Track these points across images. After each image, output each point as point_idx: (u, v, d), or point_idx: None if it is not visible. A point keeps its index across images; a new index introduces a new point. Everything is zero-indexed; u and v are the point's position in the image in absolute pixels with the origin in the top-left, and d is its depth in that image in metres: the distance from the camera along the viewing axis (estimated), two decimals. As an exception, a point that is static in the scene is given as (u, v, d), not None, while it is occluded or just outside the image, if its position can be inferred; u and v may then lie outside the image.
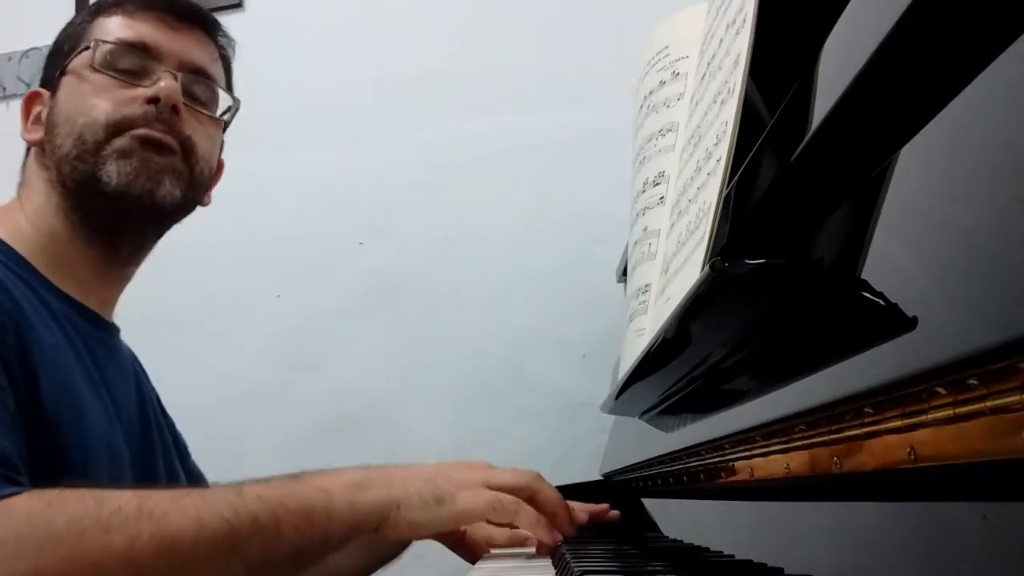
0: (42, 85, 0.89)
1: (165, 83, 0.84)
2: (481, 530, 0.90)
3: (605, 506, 0.93)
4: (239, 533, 0.61)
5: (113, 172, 0.81)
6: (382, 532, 0.69)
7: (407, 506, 0.69)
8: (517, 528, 0.85)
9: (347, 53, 1.67)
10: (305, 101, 1.67)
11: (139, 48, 0.85)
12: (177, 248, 1.62)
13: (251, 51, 1.67)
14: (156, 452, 0.90)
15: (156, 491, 0.62)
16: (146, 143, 0.83)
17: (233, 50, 0.97)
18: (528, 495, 0.75)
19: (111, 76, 0.84)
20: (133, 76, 0.85)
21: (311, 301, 1.62)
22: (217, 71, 0.93)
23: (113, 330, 0.90)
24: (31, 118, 0.88)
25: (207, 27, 0.93)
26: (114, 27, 0.86)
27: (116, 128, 0.82)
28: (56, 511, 0.57)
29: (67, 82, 0.86)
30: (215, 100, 0.92)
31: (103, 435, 0.78)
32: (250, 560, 0.62)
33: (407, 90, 1.63)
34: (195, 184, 0.88)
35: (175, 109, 0.84)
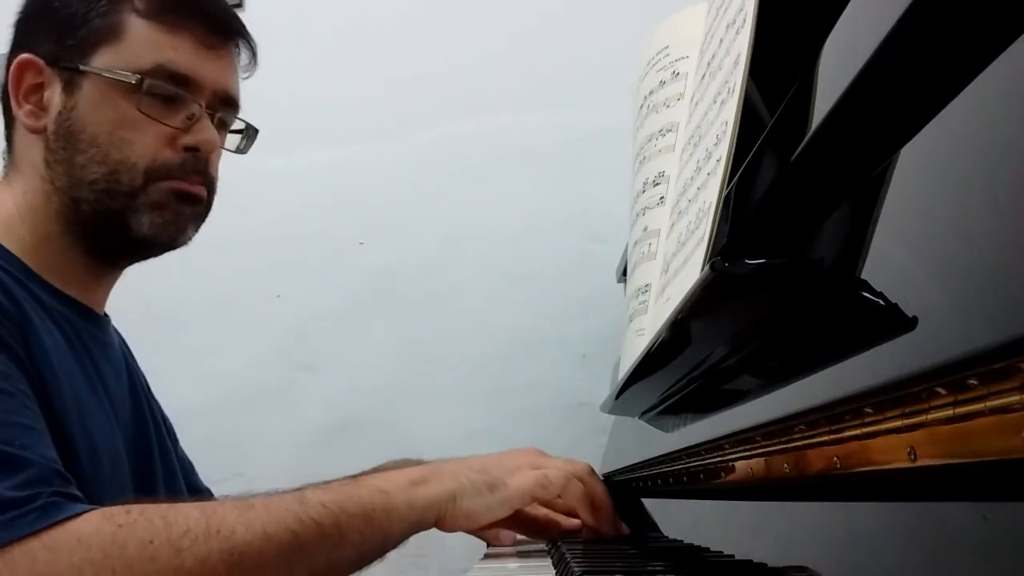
0: (44, 58, 0.80)
1: (206, 132, 0.82)
2: (542, 515, 0.90)
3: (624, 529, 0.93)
4: (304, 542, 0.62)
5: (145, 223, 0.80)
6: (440, 526, 0.71)
7: (462, 497, 0.71)
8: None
9: (347, 53, 1.67)
10: (305, 101, 1.67)
11: (179, 78, 0.80)
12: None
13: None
14: (154, 454, 0.89)
15: (221, 505, 0.63)
16: (181, 197, 0.81)
17: (256, 58, 0.91)
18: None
19: (144, 108, 0.79)
20: (168, 106, 0.80)
21: (311, 301, 1.62)
22: (239, 89, 0.89)
23: (106, 323, 0.89)
24: (29, 94, 0.80)
25: (240, 40, 0.88)
26: (151, 42, 0.79)
27: (154, 176, 0.80)
28: (127, 535, 0.57)
29: (93, 90, 0.79)
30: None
31: (106, 441, 0.78)
32: (315, 566, 0.63)
33: (407, 90, 1.63)
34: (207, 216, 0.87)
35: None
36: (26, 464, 0.60)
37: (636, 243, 0.85)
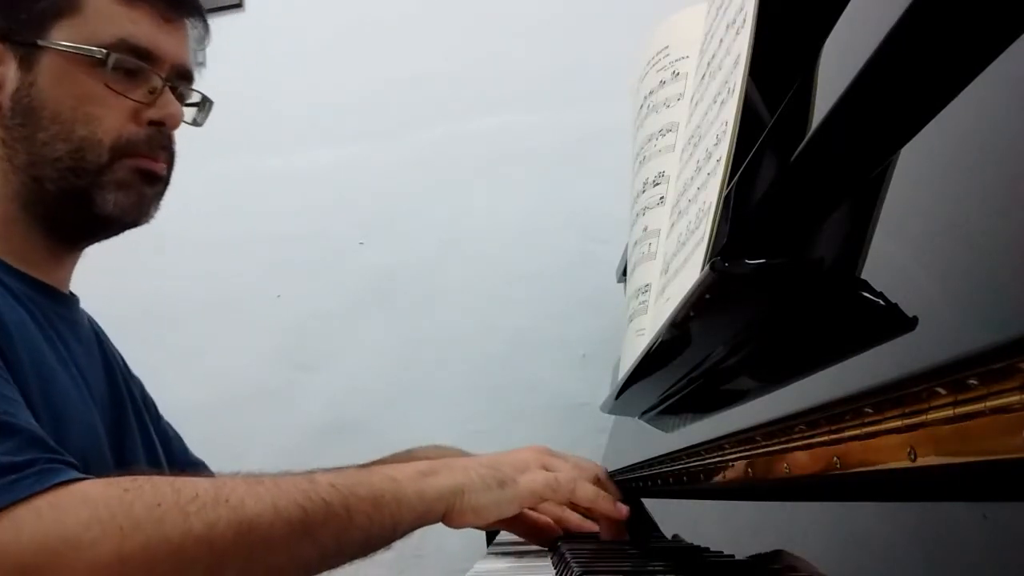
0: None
1: (171, 106, 0.82)
2: (551, 511, 0.90)
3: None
4: (313, 519, 0.62)
5: (110, 201, 0.79)
6: (448, 520, 0.71)
7: (471, 491, 0.71)
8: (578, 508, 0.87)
9: (347, 53, 1.67)
10: (305, 101, 1.67)
11: (141, 52, 0.80)
12: (177, 248, 1.63)
13: (251, 51, 1.68)
14: (132, 429, 0.87)
15: (230, 479, 0.64)
16: (145, 176, 0.81)
17: (208, 33, 0.90)
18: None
19: (110, 83, 0.78)
20: (131, 80, 0.80)
21: (311, 301, 1.62)
22: (194, 62, 0.88)
23: (73, 303, 0.87)
24: None
25: (194, 15, 0.87)
26: (111, 16, 0.79)
27: (120, 153, 0.79)
28: (134, 497, 0.57)
29: (53, 65, 0.77)
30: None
31: (79, 415, 0.76)
32: (323, 545, 0.63)
33: (407, 90, 1.63)
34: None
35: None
36: (16, 430, 0.59)
37: (636, 243, 0.85)
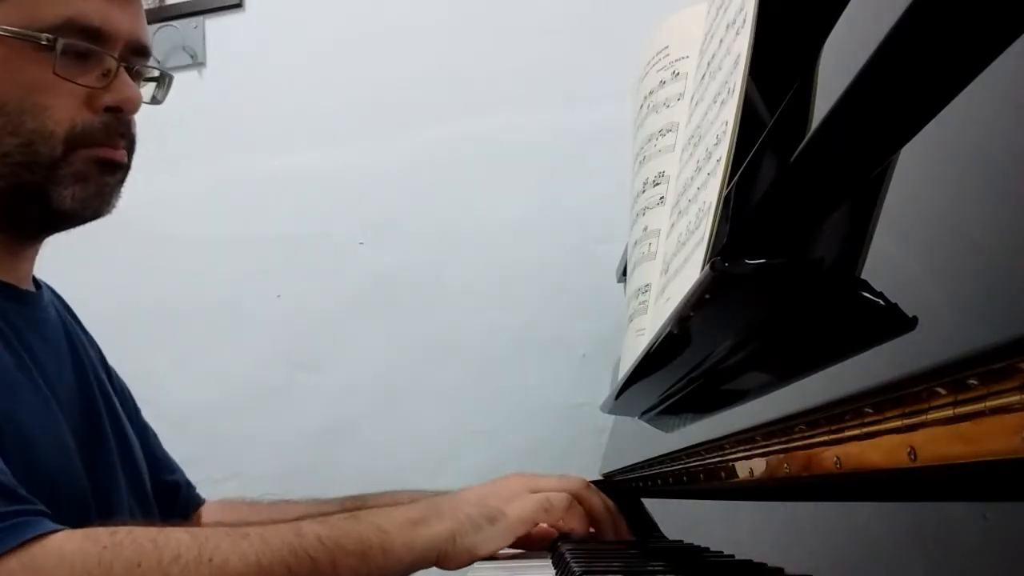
0: None
1: (128, 90, 0.75)
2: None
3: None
4: None
5: (67, 197, 0.74)
6: (442, 564, 0.70)
7: (462, 535, 0.70)
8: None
9: (347, 53, 1.67)
10: (305, 101, 1.67)
11: (91, 32, 0.73)
12: (177, 248, 1.63)
13: (251, 51, 1.68)
14: (106, 434, 0.83)
15: (214, 532, 0.61)
16: (104, 166, 0.75)
17: None
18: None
19: (59, 69, 0.72)
20: (82, 63, 0.73)
21: (311, 301, 1.62)
22: (149, 35, 0.81)
23: (36, 299, 0.82)
24: None
25: None
26: None
27: (75, 143, 0.73)
28: (113, 556, 0.54)
29: None
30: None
31: (48, 434, 0.72)
32: None
33: (407, 90, 1.63)
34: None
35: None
36: None
37: (636, 243, 0.85)
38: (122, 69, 0.76)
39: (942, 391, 0.28)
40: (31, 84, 0.72)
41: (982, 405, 0.26)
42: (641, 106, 0.89)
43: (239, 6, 1.71)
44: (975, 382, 0.26)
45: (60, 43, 0.71)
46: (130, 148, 0.79)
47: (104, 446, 0.82)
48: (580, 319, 1.51)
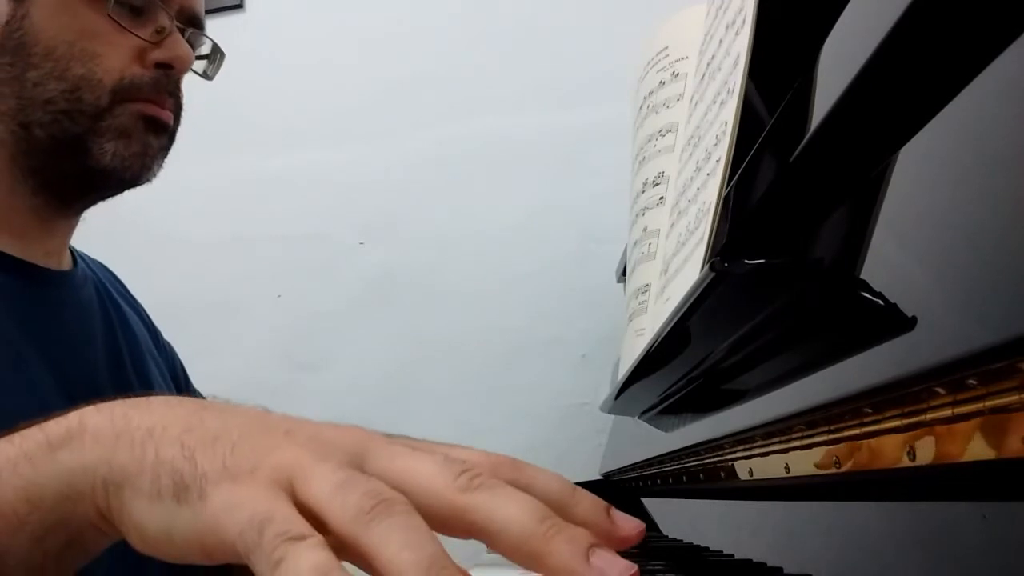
0: None
1: (180, 48, 0.72)
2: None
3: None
4: None
5: (109, 152, 0.70)
6: (108, 527, 0.36)
7: (134, 489, 0.34)
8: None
9: (347, 53, 1.67)
10: (305, 101, 1.67)
11: None
12: (177, 248, 1.63)
13: (251, 51, 1.68)
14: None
15: None
16: (149, 124, 0.72)
17: None
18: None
19: (115, 15, 0.69)
20: (136, 17, 0.71)
21: (311, 301, 1.62)
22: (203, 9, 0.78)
23: (65, 279, 0.77)
24: None
25: None
26: None
27: (122, 96, 0.70)
28: None
29: None
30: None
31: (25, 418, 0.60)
32: None
33: (407, 90, 1.63)
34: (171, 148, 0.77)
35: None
36: None
37: (636, 243, 0.85)
38: (175, 29, 0.73)
39: (941, 391, 0.28)
40: (83, 30, 0.69)
41: (981, 405, 0.26)
42: (641, 107, 0.89)
43: (239, 6, 1.71)
44: (974, 382, 0.26)
45: None
46: (177, 111, 0.76)
47: None
48: (580, 319, 1.51)
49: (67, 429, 0.37)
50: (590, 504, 0.35)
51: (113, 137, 0.70)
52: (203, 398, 0.93)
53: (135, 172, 0.73)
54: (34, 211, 0.73)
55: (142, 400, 0.38)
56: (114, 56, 0.70)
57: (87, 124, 0.69)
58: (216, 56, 0.83)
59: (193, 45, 0.78)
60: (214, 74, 0.84)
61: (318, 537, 0.29)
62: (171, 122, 0.75)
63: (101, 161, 0.70)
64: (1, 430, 0.44)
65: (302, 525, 0.30)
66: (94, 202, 0.76)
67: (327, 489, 0.30)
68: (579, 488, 0.37)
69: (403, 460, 0.33)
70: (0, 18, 0.68)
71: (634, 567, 0.29)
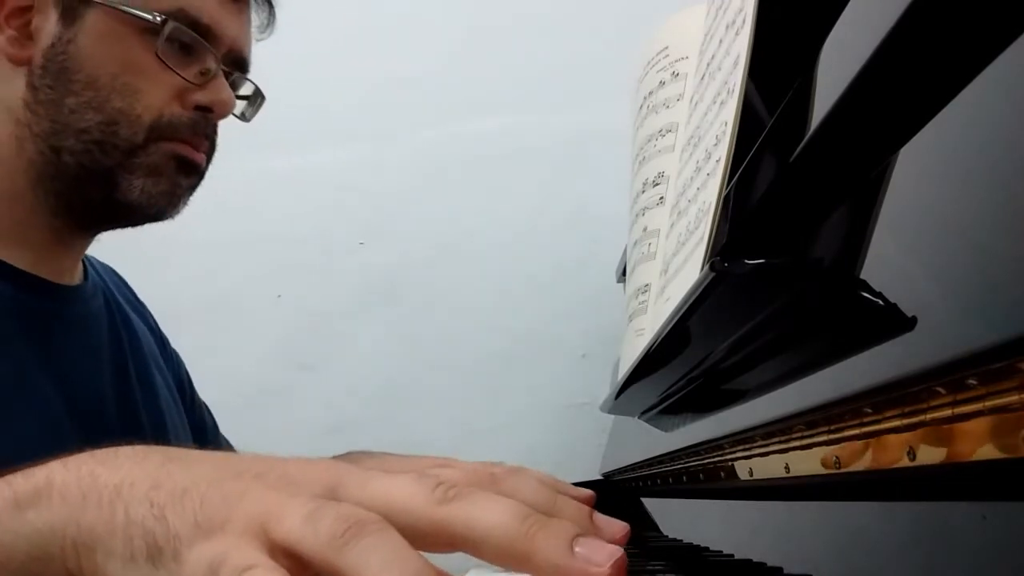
0: None
1: (223, 92, 0.73)
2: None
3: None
4: None
5: (137, 188, 0.70)
6: None
7: (103, 552, 0.33)
8: None
9: (347, 53, 1.67)
10: (305, 101, 1.67)
11: (201, 27, 0.71)
12: (178, 248, 1.63)
13: (251, 51, 1.68)
14: (143, 426, 0.77)
15: None
16: (181, 164, 0.72)
17: (274, 20, 0.82)
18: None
19: (161, 54, 0.69)
20: (184, 56, 0.71)
21: (311, 301, 1.62)
22: (251, 50, 0.78)
23: (77, 293, 0.76)
24: (12, 17, 0.68)
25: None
26: None
27: (159, 135, 0.70)
28: None
29: (100, 24, 0.68)
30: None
31: (33, 445, 0.62)
32: None
33: (407, 90, 1.63)
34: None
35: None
36: None
37: (636, 243, 0.85)
38: (220, 72, 0.73)
39: (941, 391, 0.28)
40: (128, 63, 0.69)
41: (981, 405, 0.26)
42: (641, 107, 0.89)
43: (239, 6, 1.71)
44: (974, 382, 0.26)
45: (169, 26, 0.68)
46: (210, 154, 0.76)
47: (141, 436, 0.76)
48: (580, 319, 1.51)
49: (34, 487, 0.35)
50: (573, 511, 0.36)
51: (143, 174, 0.70)
52: (205, 405, 0.94)
53: (160, 209, 0.73)
54: (52, 230, 0.72)
55: (109, 453, 0.36)
56: (155, 94, 0.69)
57: (119, 159, 0.69)
58: (256, 99, 0.83)
59: (235, 87, 0.78)
60: (252, 116, 0.83)
61: (271, 564, 0.29)
62: (202, 163, 0.74)
63: (128, 196, 0.70)
64: (4, 449, 0.46)
65: (255, 557, 0.29)
66: (113, 229, 0.76)
67: (298, 522, 0.30)
68: (561, 495, 0.37)
69: (376, 483, 0.32)
70: (46, 39, 0.68)
71: (620, 551, 0.29)
